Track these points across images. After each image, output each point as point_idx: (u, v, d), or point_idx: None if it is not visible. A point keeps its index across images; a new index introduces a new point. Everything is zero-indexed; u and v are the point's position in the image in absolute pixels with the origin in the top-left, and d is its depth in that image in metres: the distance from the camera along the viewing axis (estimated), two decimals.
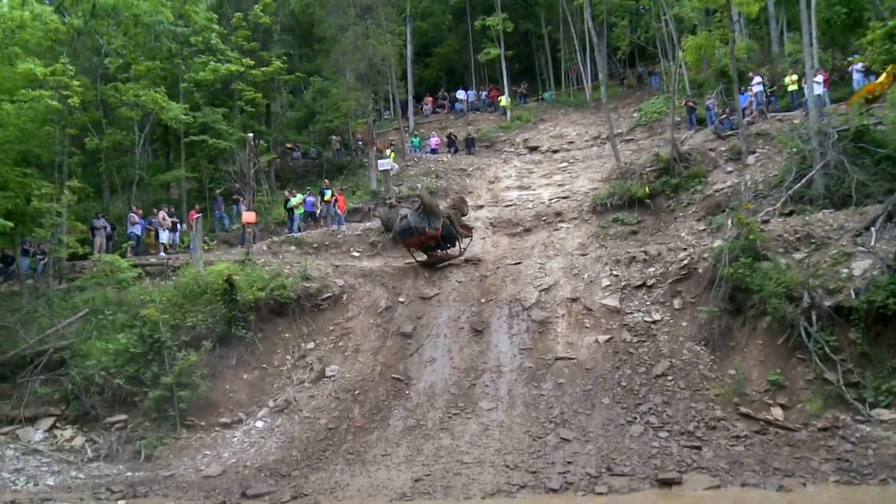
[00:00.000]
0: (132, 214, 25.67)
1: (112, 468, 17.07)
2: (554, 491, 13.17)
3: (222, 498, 13.92)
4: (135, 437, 17.93)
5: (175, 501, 14.03)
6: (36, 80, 20.69)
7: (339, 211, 27.62)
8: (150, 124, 29.12)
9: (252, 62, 29.50)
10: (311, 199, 27.64)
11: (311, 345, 20.16)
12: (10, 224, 19.85)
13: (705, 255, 18.77)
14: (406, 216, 22.33)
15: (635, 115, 35.11)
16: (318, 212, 28.24)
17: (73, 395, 18.75)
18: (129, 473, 16.60)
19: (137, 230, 25.50)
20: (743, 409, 15.17)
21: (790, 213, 20.09)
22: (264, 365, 19.57)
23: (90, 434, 18.28)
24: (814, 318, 15.53)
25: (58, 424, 18.67)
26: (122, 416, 18.53)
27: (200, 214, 24.09)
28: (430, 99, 45.49)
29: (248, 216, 24.01)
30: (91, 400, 18.55)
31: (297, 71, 35.34)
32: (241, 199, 26.66)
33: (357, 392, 17.99)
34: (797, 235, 17.97)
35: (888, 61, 20.36)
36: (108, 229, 25.41)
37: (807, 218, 18.86)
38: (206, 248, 23.97)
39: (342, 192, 28.63)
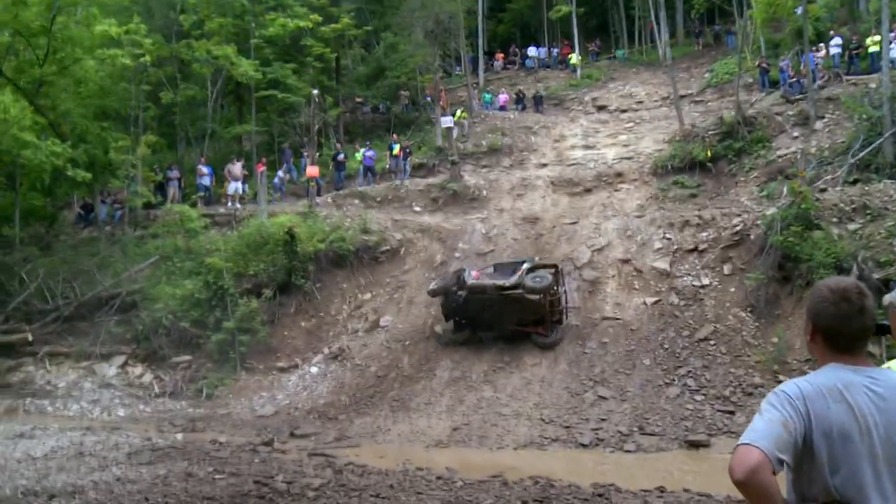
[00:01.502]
0: (200, 166, 26.67)
1: (176, 404, 18.25)
2: (584, 446, 13.64)
3: (272, 436, 14.75)
4: (198, 376, 19.09)
5: (229, 437, 14.94)
6: (112, 40, 21.65)
7: (408, 163, 28.09)
8: (222, 79, 29.98)
9: (321, 18, 29.96)
10: (370, 153, 28.11)
11: (367, 296, 20.89)
12: (89, 175, 21.04)
13: (758, 222, 18.70)
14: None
15: (706, 75, 34.46)
16: (388, 165, 28.70)
17: (143, 336, 20.01)
18: (190, 410, 17.74)
19: (206, 181, 26.48)
20: (782, 377, 15.16)
21: (855, 182, 19.67)
22: (321, 314, 20.41)
23: (158, 372, 19.49)
24: None
25: (129, 362, 19.97)
26: (187, 357, 19.70)
27: (265, 168, 24.95)
28: (501, 55, 45.32)
29: (312, 170, 24.71)
30: (159, 340, 19.74)
31: (367, 26, 35.75)
32: (307, 153, 27.35)
33: (408, 343, 18.65)
34: (853, 205, 17.73)
35: None
36: (179, 180, 26.50)
37: (866, 188, 18.54)
38: (270, 199, 24.86)
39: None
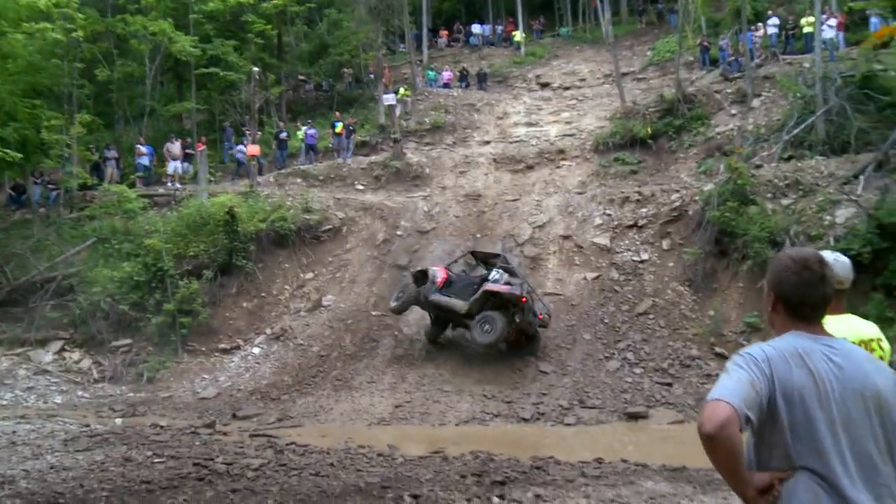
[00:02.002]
0: (138, 146, 26.11)
1: (116, 389, 17.95)
2: (525, 420, 13.82)
3: (213, 418, 14.63)
4: (138, 360, 18.79)
5: (170, 420, 14.77)
6: (41, 13, 21.02)
7: (351, 141, 27.86)
8: (160, 56, 29.39)
9: None
10: (311, 131, 27.85)
11: (309, 275, 20.77)
12: (20, 155, 20.47)
13: (696, 198, 19.04)
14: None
15: (649, 53, 34.79)
16: (331, 143, 28.45)
17: (81, 320, 19.59)
18: (130, 394, 17.48)
19: (145, 161, 25.94)
20: (718, 349, 15.66)
21: (789, 159, 20.10)
22: (263, 294, 20.24)
23: (96, 357, 19.14)
24: None
25: (66, 347, 19.54)
26: (127, 341, 19.37)
27: (205, 147, 24.59)
28: (446, 32, 45.12)
29: (253, 149, 24.41)
30: (97, 325, 19.37)
31: (310, 2, 35.30)
32: (248, 131, 26.98)
33: (350, 322, 18.63)
34: (787, 181, 18.17)
35: (891, 10, 20.03)
36: (117, 160, 25.92)
37: (798, 164, 18.99)
38: (211, 179, 24.51)
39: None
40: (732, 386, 2.52)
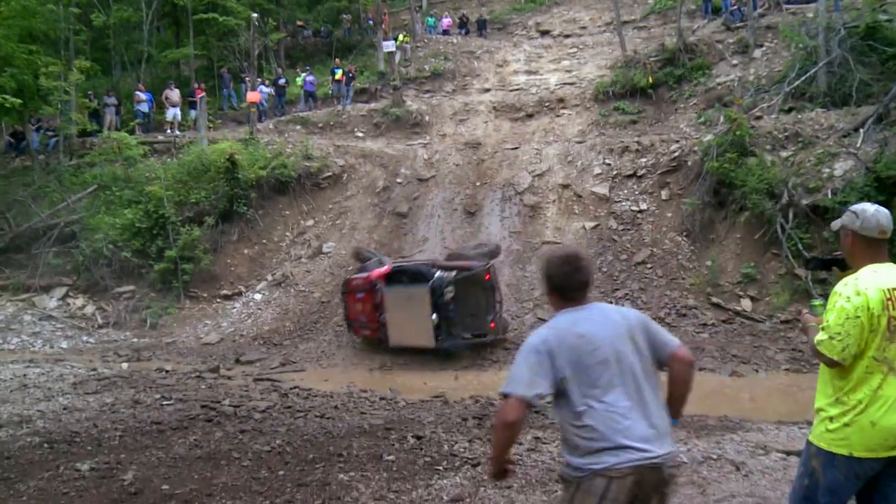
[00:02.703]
0: (137, 92, 25.97)
1: (120, 334, 18.24)
2: None
3: (217, 363, 14.91)
4: (141, 306, 19.07)
5: (174, 365, 15.05)
6: None
7: (351, 88, 27.76)
8: (157, 1, 29.10)
9: None
10: (310, 78, 27.72)
11: (309, 222, 20.92)
12: (18, 101, 20.39)
13: (695, 149, 19.09)
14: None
15: (650, 1, 34.43)
16: (330, 90, 28.35)
17: (84, 267, 19.84)
18: (134, 339, 17.78)
19: (144, 108, 25.82)
20: (714, 299, 15.88)
21: (790, 110, 20.04)
22: (264, 241, 20.43)
23: (100, 303, 19.40)
24: (791, 215, 15.97)
25: (70, 293, 19.81)
26: (130, 287, 19.63)
27: (204, 94, 24.49)
28: None
29: (252, 95, 24.33)
30: (100, 271, 19.60)
31: None
32: (247, 78, 26.85)
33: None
34: (786, 133, 18.18)
35: None
36: (117, 106, 25.80)
37: (799, 116, 18.97)
38: (210, 126, 24.48)
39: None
40: (519, 376, 3.30)
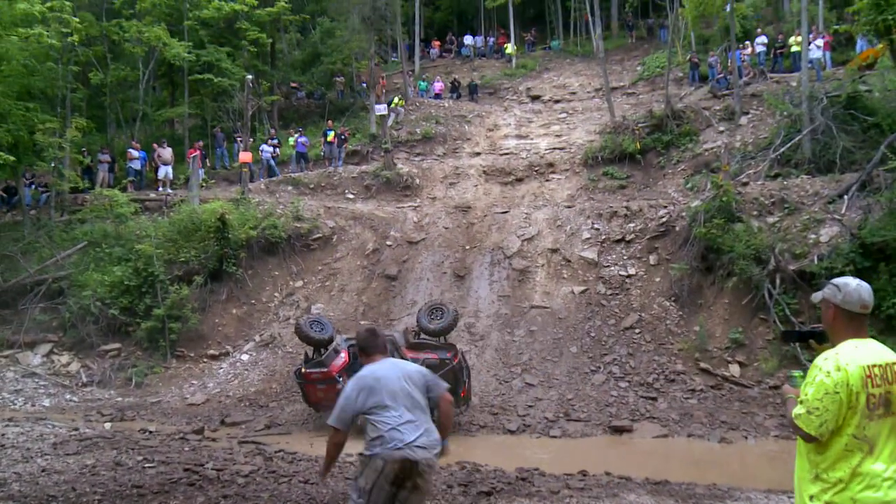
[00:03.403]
0: (130, 150, 26.14)
1: (104, 393, 18.02)
2: (511, 432, 13.98)
3: (202, 424, 14.72)
4: (127, 365, 18.89)
5: (159, 425, 14.86)
6: (35, 17, 21.12)
7: (343, 150, 28.02)
8: (154, 61, 29.51)
9: (256, 1, 29.63)
10: (302, 139, 28.00)
11: (298, 283, 20.92)
12: (12, 158, 20.52)
13: (683, 214, 19.28)
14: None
15: (639, 68, 35.12)
16: (322, 152, 28.61)
17: (70, 324, 19.66)
18: (119, 399, 17.55)
19: (136, 165, 25.98)
20: (703, 365, 15.89)
21: (776, 177, 20.35)
22: (253, 301, 20.37)
23: (85, 360, 19.19)
24: (778, 280, 16.11)
25: (55, 350, 19.60)
26: (116, 345, 19.46)
27: (198, 153, 24.68)
28: (438, 43, 45.40)
29: (245, 156, 24.51)
30: (87, 328, 19.43)
31: (304, 11, 35.50)
32: (240, 138, 27.10)
33: (339, 330, 18.72)
34: (772, 199, 18.43)
35: (875, 32, 20.25)
36: (110, 164, 25.94)
37: (784, 182, 19.25)
38: (203, 185, 24.61)
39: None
40: (339, 409, 5.25)
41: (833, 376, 3.50)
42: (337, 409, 5.20)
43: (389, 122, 29.79)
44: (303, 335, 14.86)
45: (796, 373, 3.95)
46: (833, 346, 3.70)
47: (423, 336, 15.24)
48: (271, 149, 27.50)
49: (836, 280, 3.83)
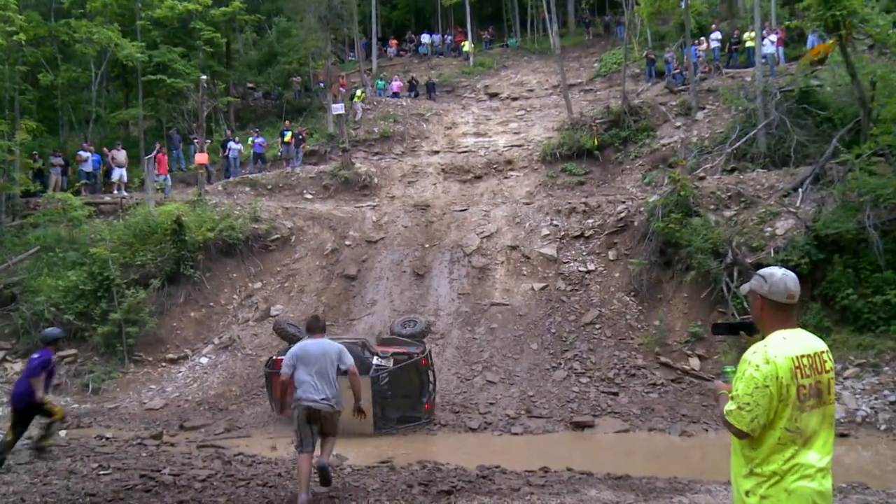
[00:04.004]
0: (80, 152, 25.58)
1: (60, 400, 17.55)
2: (473, 430, 13.93)
3: (161, 429, 14.48)
4: (84, 370, 18.50)
5: (116, 431, 14.59)
6: None
7: (301, 150, 27.79)
8: (106, 62, 29.01)
9: (210, 1, 29.24)
10: (259, 140, 27.71)
11: (257, 285, 20.69)
12: None
13: (641, 209, 19.41)
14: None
15: (596, 65, 35.32)
16: (279, 152, 28.34)
17: (24, 330, 19.20)
18: (75, 405, 17.19)
19: (87, 167, 25.43)
20: (663, 359, 15.99)
21: (732, 171, 20.60)
22: (211, 303, 20.10)
23: None
24: (735, 273, 16.25)
25: (8, 358, 19.14)
26: (72, 351, 19.03)
27: (151, 155, 24.30)
28: (395, 42, 45.31)
29: (201, 157, 24.19)
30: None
31: (259, 11, 35.16)
32: (196, 139, 26.75)
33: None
34: (729, 193, 18.63)
35: (825, 27, 20.47)
36: (63, 167, 25.42)
37: (741, 176, 19.49)
38: (160, 188, 24.25)
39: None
40: (283, 366, 8.32)
41: (762, 369, 3.45)
42: (283, 365, 8.38)
43: (359, 116, 29.78)
44: (280, 331, 15.98)
45: (729, 368, 3.89)
46: (763, 337, 3.67)
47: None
48: (239, 146, 27.21)
49: (762, 270, 3.80)
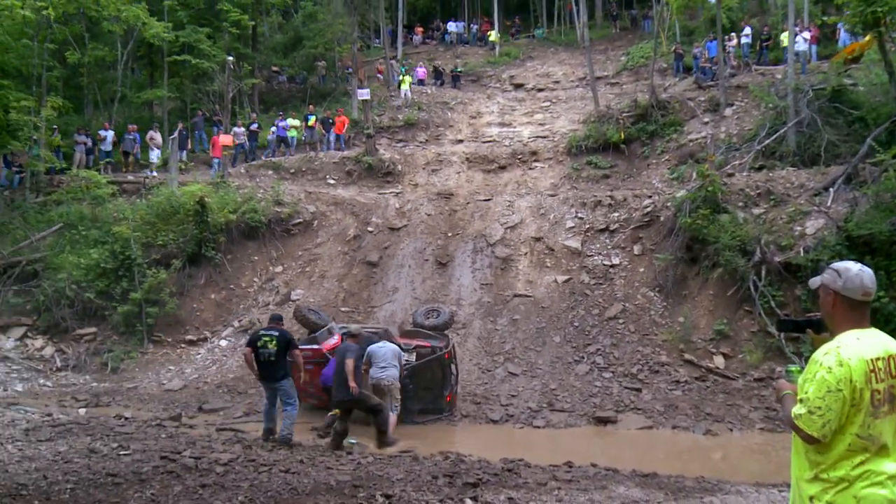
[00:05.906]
0: (101, 131, 25.50)
1: (79, 378, 17.66)
2: (494, 422, 13.79)
3: (179, 411, 14.44)
4: (103, 349, 18.52)
5: (134, 412, 14.55)
6: None
7: (332, 135, 27.65)
8: (133, 41, 28.98)
9: None
10: (283, 123, 27.60)
11: (278, 268, 20.61)
12: None
13: (668, 204, 19.16)
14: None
15: (623, 58, 34.96)
16: (304, 136, 28.24)
17: (45, 307, 19.26)
18: (94, 384, 17.21)
19: (107, 146, 25.33)
20: (687, 356, 15.76)
21: (760, 168, 20.29)
22: (232, 286, 20.06)
23: (60, 345, 18.82)
24: (763, 272, 15.99)
25: (29, 334, 19.19)
26: (92, 329, 19.09)
27: (176, 135, 24.24)
28: (421, 29, 45.10)
29: (225, 139, 24.12)
30: (62, 312, 19.05)
31: None
32: (220, 121, 26.68)
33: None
34: (758, 191, 18.35)
35: (862, 24, 20.12)
36: (89, 144, 25.43)
37: (770, 174, 19.18)
38: (182, 168, 24.20)
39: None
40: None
41: (835, 372, 3.23)
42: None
43: (408, 101, 29.80)
44: (301, 318, 15.70)
45: (793, 367, 3.70)
46: (832, 336, 3.44)
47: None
48: (244, 130, 27.06)
49: (836, 264, 3.55)
